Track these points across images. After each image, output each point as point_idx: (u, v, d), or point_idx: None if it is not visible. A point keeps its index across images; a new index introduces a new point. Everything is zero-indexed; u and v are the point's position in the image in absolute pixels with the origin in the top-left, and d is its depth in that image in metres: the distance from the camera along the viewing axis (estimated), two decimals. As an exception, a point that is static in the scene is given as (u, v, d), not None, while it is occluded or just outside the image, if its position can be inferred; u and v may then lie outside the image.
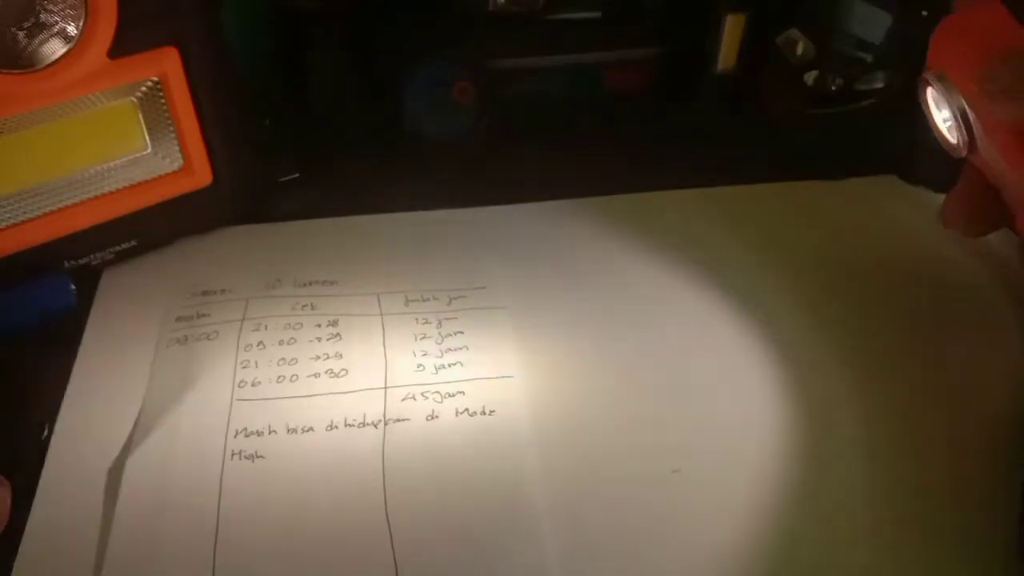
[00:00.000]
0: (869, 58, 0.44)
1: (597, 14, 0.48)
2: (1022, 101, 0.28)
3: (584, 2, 0.47)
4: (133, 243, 0.40)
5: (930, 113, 0.33)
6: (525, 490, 0.32)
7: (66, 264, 0.38)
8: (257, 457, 0.33)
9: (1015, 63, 0.29)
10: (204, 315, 0.38)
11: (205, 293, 0.39)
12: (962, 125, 0.31)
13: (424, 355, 0.37)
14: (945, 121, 0.32)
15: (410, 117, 0.46)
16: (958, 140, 0.32)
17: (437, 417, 0.34)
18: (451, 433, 0.34)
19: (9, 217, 0.36)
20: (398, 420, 0.34)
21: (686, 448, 0.34)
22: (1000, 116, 0.30)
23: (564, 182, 0.46)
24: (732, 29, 0.46)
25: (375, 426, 0.34)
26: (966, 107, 0.30)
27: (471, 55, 0.46)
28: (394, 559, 0.30)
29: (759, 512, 0.32)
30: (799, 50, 0.46)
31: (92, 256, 0.39)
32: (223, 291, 0.39)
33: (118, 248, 0.40)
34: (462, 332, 0.38)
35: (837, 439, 0.34)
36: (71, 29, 0.33)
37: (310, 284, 0.40)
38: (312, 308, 0.38)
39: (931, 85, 0.32)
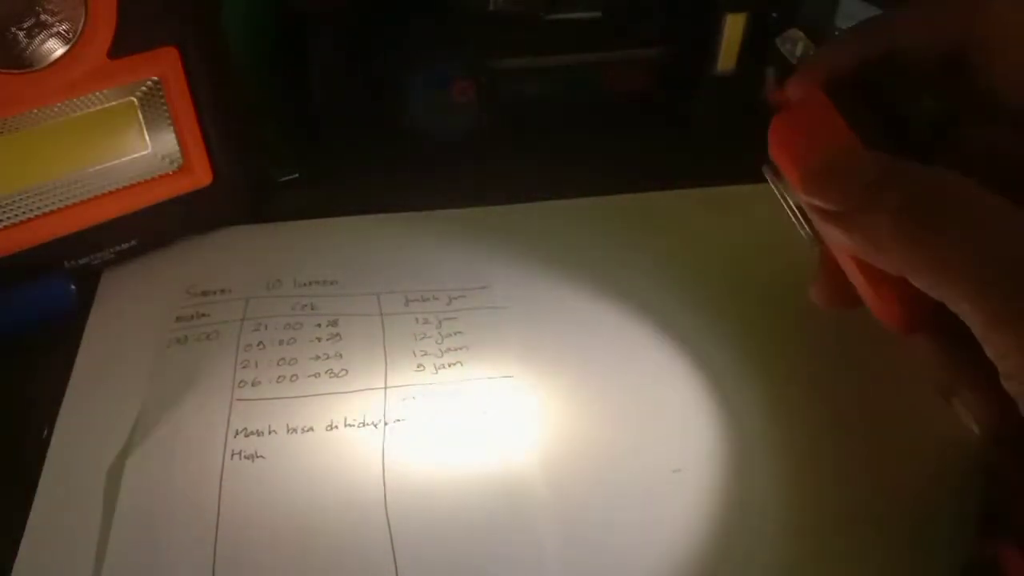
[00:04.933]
0: (869, 58, 0.44)
1: (597, 14, 0.48)
2: (852, 226, 0.26)
3: (584, 2, 0.47)
4: (133, 243, 0.40)
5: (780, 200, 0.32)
6: (525, 490, 0.32)
7: (66, 264, 0.38)
8: (257, 457, 0.33)
9: (840, 181, 0.27)
10: (204, 315, 0.38)
11: (205, 293, 0.39)
12: (803, 221, 0.30)
13: (424, 355, 0.37)
14: (790, 210, 0.31)
15: (410, 117, 0.46)
16: (803, 233, 0.31)
17: (437, 417, 0.34)
18: (451, 433, 0.34)
19: (9, 217, 0.36)
20: (398, 420, 0.34)
21: (687, 448, 0.34)
22: (833, 241, 0.28)
23: (564, 182, 0.46)
24: (732, 29, 0.46)
25: (375, 426, 0.34)
26: (803, 206, 0.29)
27: (471, 55, 0.46)
28: (394, 559, 0.30)
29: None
30: (799, 50, 0.45)
31: (92, 256, 0.39)
32: (223, 291, 0.39)
33: (118, 248, 0.40)
34: (462, 332, 0.38)
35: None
36: (71, 29, 0.33)
37: (310, 284, 0.40)
38: (312, 308, 0.38)
39: (769, 179, 0.31)
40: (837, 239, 0.27)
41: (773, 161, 0.31)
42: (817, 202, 0.27)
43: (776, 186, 0.31)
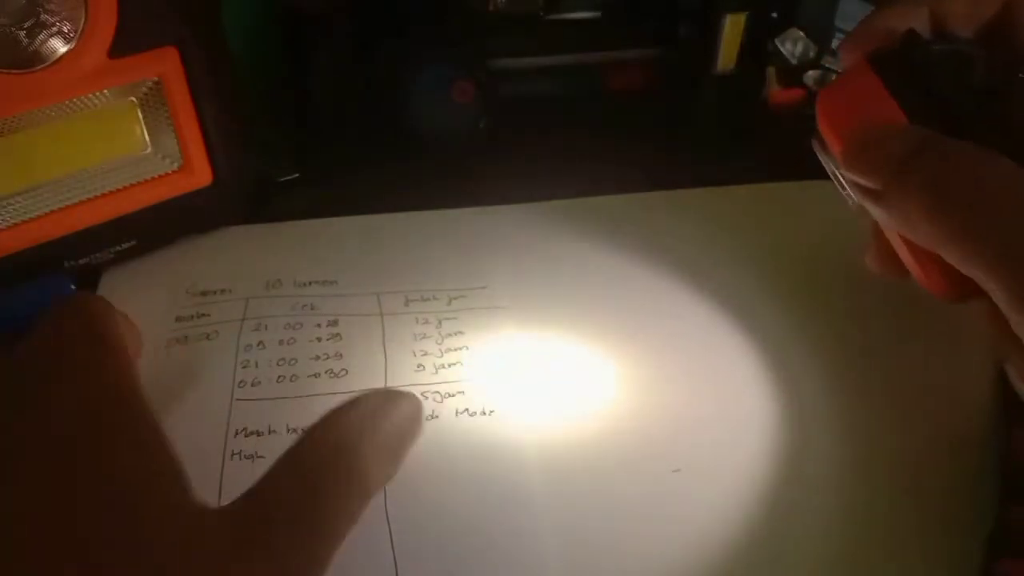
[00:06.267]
0: (869, 58, 0.44)
1: (597, 14, 0.48)
2: (887, 203, 0.27)
3: (584, 2, 0.47)
4: (133, 243, 0.40)
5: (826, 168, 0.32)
6: (524, 489, 0.32)
7: (66, 264, 0.38)
8: (257, 457, 0.33)
9: (874, 159, 0.27)
10: (204, 315, 0.38)
11: (205, 293, 0.39)
12: (850, 191, 0.30)
13: (424, 355, 0.37)
14: (837, 180, 0.32)
15: (410, 117, 0.46)
16: (851, 203, 0.31)
17: (437, 417, 0.34)
18: (450, 433, 0.34)
19: (9, 217, 0.36)
20: (398, 420, 0.34)
21: (686, 448, 0.34)
22: (875, 218, 0.29)
23: (564, 182, 0.46)
24: (732, 29, 0.46)
25: (375, 426, 0.34)
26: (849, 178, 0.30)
27: (471, 55, 0.46)
28: (394, 559, 0.30)
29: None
30: (799, 50, 0.46)
31: (92, 256, 0.39)
32: (223, 291, 0.39)
33: (118, 248, 0.39)
34: (462, 332, 0.38)
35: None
36: (71, 29, 0.33)
37: (310, 284, 0.40)
38: (312, 308, 0.38)
39: (817, 152, 0.32)
40: (877, 215, 0.28)
41: (820, 134, 0.31)
42: (857, 180, 0.28)
43: (823, 158, 0.31)
